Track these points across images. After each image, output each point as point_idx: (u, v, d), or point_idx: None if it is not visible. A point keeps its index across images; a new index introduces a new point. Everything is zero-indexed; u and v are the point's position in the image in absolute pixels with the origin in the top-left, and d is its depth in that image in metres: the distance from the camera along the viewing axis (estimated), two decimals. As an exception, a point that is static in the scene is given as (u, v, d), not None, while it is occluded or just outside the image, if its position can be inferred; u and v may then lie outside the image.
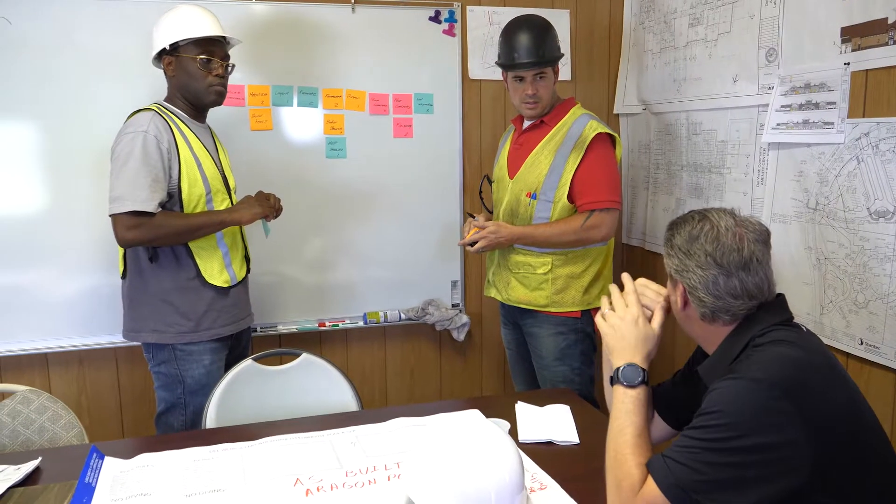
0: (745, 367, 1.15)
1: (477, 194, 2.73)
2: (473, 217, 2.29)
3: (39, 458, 1.54)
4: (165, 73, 2.05)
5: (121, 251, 2.03)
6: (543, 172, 2.21)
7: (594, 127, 2.18)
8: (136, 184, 1.89)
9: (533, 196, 2.23)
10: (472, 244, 2.21)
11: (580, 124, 2.21)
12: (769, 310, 1.23)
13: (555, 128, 2.24)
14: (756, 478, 1.07)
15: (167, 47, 1.99)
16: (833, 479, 1.09)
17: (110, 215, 1.91)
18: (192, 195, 1.99)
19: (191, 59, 2.01)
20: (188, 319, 2.02)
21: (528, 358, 2.41)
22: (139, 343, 2.07)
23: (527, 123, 2.32)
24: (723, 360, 1.23)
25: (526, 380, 2.48)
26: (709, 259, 1.21)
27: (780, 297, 1.26)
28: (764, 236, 1.24)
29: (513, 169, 2.32)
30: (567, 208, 2.21)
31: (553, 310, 2.26)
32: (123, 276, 2.06)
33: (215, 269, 2.06)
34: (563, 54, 2.27)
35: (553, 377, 2.30)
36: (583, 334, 2.28)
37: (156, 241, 1.95)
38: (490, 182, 2.48)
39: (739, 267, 1.20)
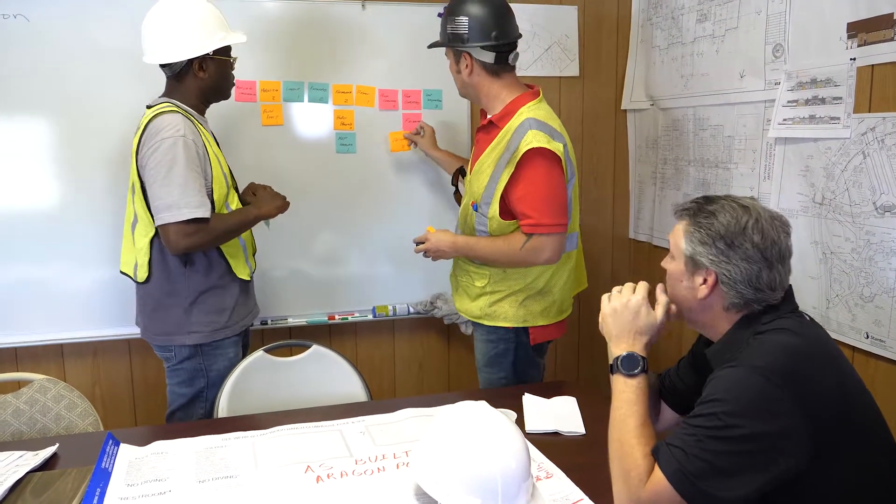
0: (746, 356, 1.17)
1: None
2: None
3: (57, 445, 1.58)
4: (185, 74, 1.97)
5: (145, 256, 1.98)
6: (484, 182, 2.03)
7: (528, 141, 1.92)
8: (188, 190, 1.86)
9: (475, 207, 2.08)
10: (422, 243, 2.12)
11: (519, 134, 1.95)
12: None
13: (501, 131, 2.02)
14: (755, 464, 1.10)
15: (210, 53, 1.95)
16: (829, 463, 1.12)
17: (164, 224, 1.87)
18: (221, 195, 1.99)
19: (225, 61, 2.02)
20: (220, 316, 2.03)
21: None
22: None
23: (485, 120, 2.13)
24: (730, 347, 1.25)
25: None
26: (756, 251, 1.21)
27: (789, 286, 1.29)
28: (789, 229, 1.26)
29: (471, 170, 2.15)
30: (501, 225, 2.01)
31: (485, 322, 2.12)
32: (145, 281, 2.02)
33: (241, 264, 2.10)
34: (449, 43, 2.04)
35: (484, 382, 2.21)
36: (514, 344, 2.12)
37: (207, 245, 1.95)
38: (463, 175, 2.35)
39: (779, 260, 1.23)
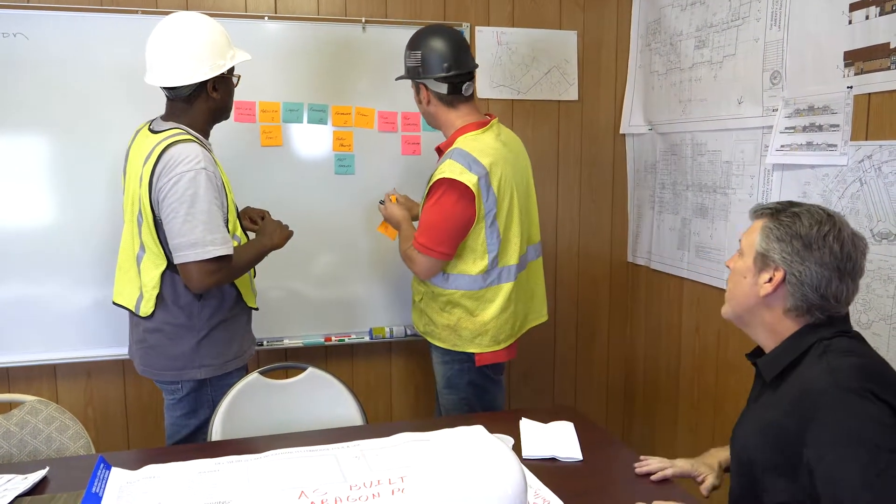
0: (845, 379, 1.16)
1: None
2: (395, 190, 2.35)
3: (47, 468, 1.55)
4: (197, 96, 1.90)
5: (155, 290, 1.90)
6: (420, 206, 2.19)
7: (442, 170, 2.03)
8: (212, 226, 1.80)
9: None
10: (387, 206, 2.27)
11: (440, 163, 2.09)
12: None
13: (440, 159, 2.14)
14: None
15: (226, 72, 1.92)
16: None
17: (186, 263, 1.80)
18: (231, 226, 1.93)
19: (231, 78, 1.98)
20: (230, 347, 2.00)
21: None
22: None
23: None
24: (786, 355, 1.26)
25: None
26: (833, 259, 1.21)
27: None
28: (867, 251, 1.27)
29: None
30: None
31: (429, 340, 2.24)
32: (150, 315, 1.92)
33: (249, 292, 2.07)
34: (407, 75, 2.16)
35: (445, 404, 2.24)
36: (469, 364, 2.17)
37: (228, 281, 1.91)
38: None
39: (850, 275, 1.23)
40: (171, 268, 1.89)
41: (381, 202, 2.30)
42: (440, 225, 2.06)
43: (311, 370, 2.04)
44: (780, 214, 1.27)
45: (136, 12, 2.44)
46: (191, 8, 2.50)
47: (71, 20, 2.39)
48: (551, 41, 2.89)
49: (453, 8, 2.78)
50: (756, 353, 1.38)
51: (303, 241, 2.63)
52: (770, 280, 1.26)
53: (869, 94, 1.80)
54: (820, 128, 1.94)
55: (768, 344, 1.31)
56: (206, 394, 1.99)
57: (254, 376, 1.99)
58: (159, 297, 1.91)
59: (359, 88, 2.68)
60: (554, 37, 2.88)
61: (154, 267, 1.91)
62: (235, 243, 1.93)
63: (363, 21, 2.66)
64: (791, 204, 1.29)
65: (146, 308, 1.93)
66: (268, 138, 2.61)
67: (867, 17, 1.77)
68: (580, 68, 2.94)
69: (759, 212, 1.33)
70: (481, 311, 2.13)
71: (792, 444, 1.19)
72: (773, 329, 1.29)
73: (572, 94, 2.94)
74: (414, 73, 2.15)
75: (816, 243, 1.22)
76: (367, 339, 2.78)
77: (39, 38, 2.36)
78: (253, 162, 2.59)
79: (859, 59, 1.80)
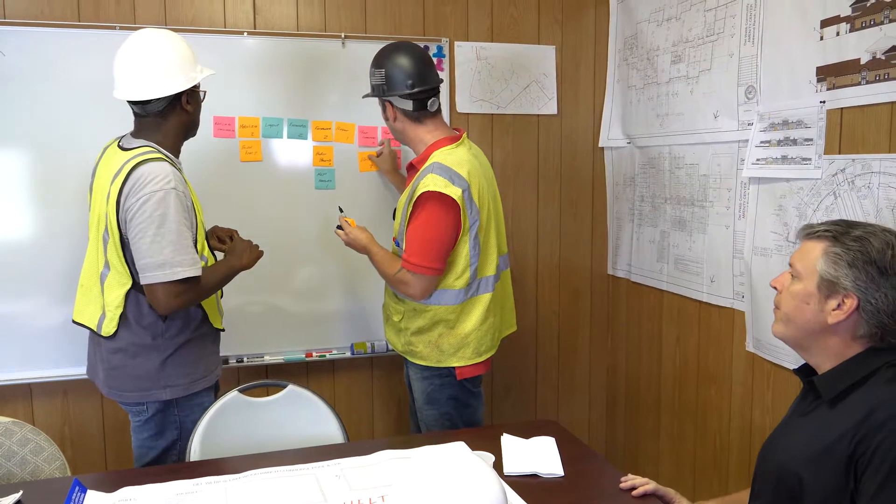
0: None
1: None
2: (341, 210, 2.36)
3: (20, 492, 1.52)
4: (171, 110, 1.89)
5: (118, 309, 1.87)
6: (399, 221, 2.18)
7: (426, 183, 2.01)
8: (180, 248, 1.78)
9: (396, 243, 2.20)
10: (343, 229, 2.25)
11: (421, 177, 2.06)
12: None
13: (417, 174, 2.12)
14: None
15: (198, 85, 1.91)
16: None
17: (153, 284, 1.77)
18: (202, 247, 1.91)
19: (199, 93, 1.97)
20: (196, 367, 1.96)
21: None
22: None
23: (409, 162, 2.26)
24: (848, 376, 1.22)
25: (417, 424, 2.39)
26: None
27: None
28: None
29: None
30: None
31: (410, 359, 2.21)
32: (112, 335, 1.90)
33: (216, 313, 2.05)
34: (373, 93, 2.20)
35: (425, 420, 2.23)
36: (449, 379, 2.17)
37: (195, 302, 1.89)
38: None
39: None
40: (136, 287, 1.86)
41: (339, 227, 2.25)
42: (433, 240, 2.04)
43: (290, 387, 2.02)
44: (844, 238, 1.22)
45: (115, 28, 2.42)
46: (169, 24, 2.49)
47: (48, 36, 2.37)
48: (530, 56, 2.91)
49: (432, 23, 2.79)
50: (804, 370, 1.34)
51: (283, 257, 2.62)
52: (839, 307, 1.22)
53: (841, 108, 1.83)
54: (794, 142, 1.97)
55: (825, 365, 1.27)
56: (173, 415, 1.95)
57: (233, 394, 1.97)
58: (122, 317, 1.88)
59: (339, 103, 2.68)
60: (532, 51, 2.91)
61: (119, 286, 1.88)
62: (203, 264, 1.90)
63: (343, 36, 2.67)
64: (849, 224, 1.25)
65: (109, 327, 1.90)
66: (247, 153, 2.60)
67: (838, 34, 1.80)
68: (559, 83, 2.96)
69: (815, 233, 1.27)
70: (461, 324, 2.13)
71: (848, 467, 1.16)
72: (838, 353, 1.25)
73: (551, 108, 2.96)
74: (379, 91, 2.17)
75: (892, 268, 1.18)
76: (348, 354, 2.76)
77: (16, 53, 2.34)
78: (232, 177, 2.57)
79: (831, 74, 1.83)
